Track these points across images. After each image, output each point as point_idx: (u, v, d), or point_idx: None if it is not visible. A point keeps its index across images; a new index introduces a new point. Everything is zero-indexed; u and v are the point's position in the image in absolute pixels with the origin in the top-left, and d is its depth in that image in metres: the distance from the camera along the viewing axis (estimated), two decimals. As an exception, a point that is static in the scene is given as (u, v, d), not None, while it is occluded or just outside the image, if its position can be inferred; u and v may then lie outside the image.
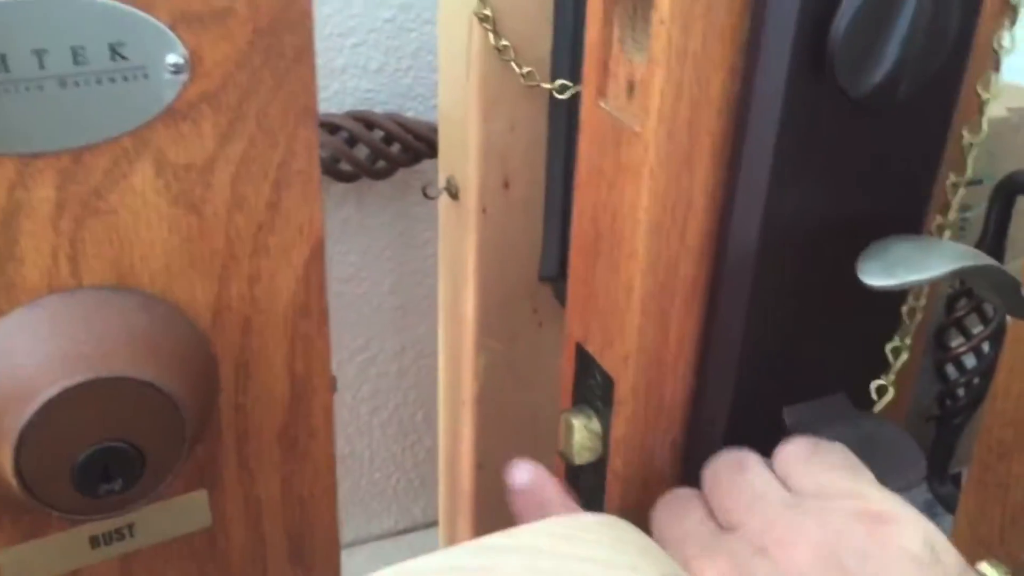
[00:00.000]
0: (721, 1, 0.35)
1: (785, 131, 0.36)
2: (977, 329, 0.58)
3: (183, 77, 0.29)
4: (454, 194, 0.54)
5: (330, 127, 0.62)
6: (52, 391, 0.28)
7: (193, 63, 0.29)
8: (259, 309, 0.34)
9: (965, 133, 0.40)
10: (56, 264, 0.30)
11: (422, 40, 0.64)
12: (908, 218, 0.40)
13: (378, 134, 0.63)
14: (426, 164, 0.65)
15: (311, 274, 0.34)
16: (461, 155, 0.53)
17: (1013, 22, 0.39)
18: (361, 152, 0.63)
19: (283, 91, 0.31)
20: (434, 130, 0.63)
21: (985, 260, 0.37)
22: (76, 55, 0.27)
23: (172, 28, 0.28)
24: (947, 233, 0.41)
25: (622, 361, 0.41)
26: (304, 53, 0.31)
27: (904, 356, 0.42)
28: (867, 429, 0.40)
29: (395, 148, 0.63)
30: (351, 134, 0.62)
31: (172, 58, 0.28)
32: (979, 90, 0.39)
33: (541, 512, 0.38)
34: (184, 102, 0.29)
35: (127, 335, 0.30)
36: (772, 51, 0.35)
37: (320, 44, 0.62)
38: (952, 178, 0.41)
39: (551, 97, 0.50)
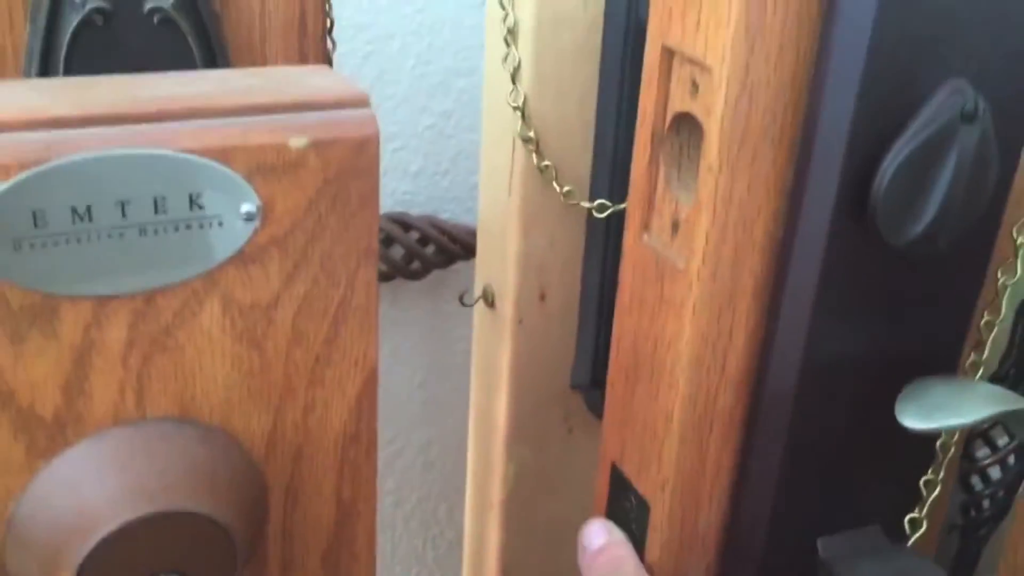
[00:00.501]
0: (767, 150, 0.36)
1: (826, 274, 0.37)
2: (1002, 440, 0.59)
3: (255, 224, 0.30)
4: (490, 303, 0.55)
5: (368, 228, 0.63)
6: (113, 525, 0.29)
7: (265, 211, 0.30)
8: (311, 438, 0.35)
9: (1000, 275, 0.41)
10: (123, 398, 0.31)
11: (461, 146, 0.66)
12: (944, 356, 0.41)
13: (414, 235, 0.64)
14: (459, 265, 0.66)
15: (363, 403, 0.35)
16: (499, 266, 0.54)
17: (1047, 170, 0.40)
18: (397, 252, 0.64)
19: (347, 234, 0.32)
20: (469, 233, 0.64)
21: (1020, 403, 0.37)
22: (157, 205, 0.28)
23: (248, 179, 0.29)
24: (981, 371, 0.42)
25: (659, 487, 0.41)
26: (369, 198, 0.32)
27: (937, 490, 0.42)
28: (901, 564, 0.41)
29: (430, 249, 0.65)
30: (387, 234, 0.64)
31: (246, 207, 0.30)
32: (1014, 234, 0.40)
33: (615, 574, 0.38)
34: (254, 246, 0.30)
35: (187, 467, 0.31)
36: (816, 199, 0.36)
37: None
38: (986, 317, 0.41)
39: (589, 214, 0.51)
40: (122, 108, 0.28)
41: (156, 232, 0.29)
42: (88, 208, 0.28)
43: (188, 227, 0.29)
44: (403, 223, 0.64)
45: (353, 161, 0.31)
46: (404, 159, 0.65)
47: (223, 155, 0.29)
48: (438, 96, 0.64)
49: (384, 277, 0.64)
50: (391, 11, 0.61)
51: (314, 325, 0.33)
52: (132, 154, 0.28)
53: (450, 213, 0.67)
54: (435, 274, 0.66)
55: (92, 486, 0.30)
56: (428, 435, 0.73)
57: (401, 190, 0.65)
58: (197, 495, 0.30)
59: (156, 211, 0.29)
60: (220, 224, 0.30)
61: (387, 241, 0.64)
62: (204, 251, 0.30)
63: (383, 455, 0.72)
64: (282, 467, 0.34)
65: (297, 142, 0.30)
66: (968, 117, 0.35)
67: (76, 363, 0.30)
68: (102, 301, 0.29)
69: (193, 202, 0.29)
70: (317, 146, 0.30)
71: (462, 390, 0.61)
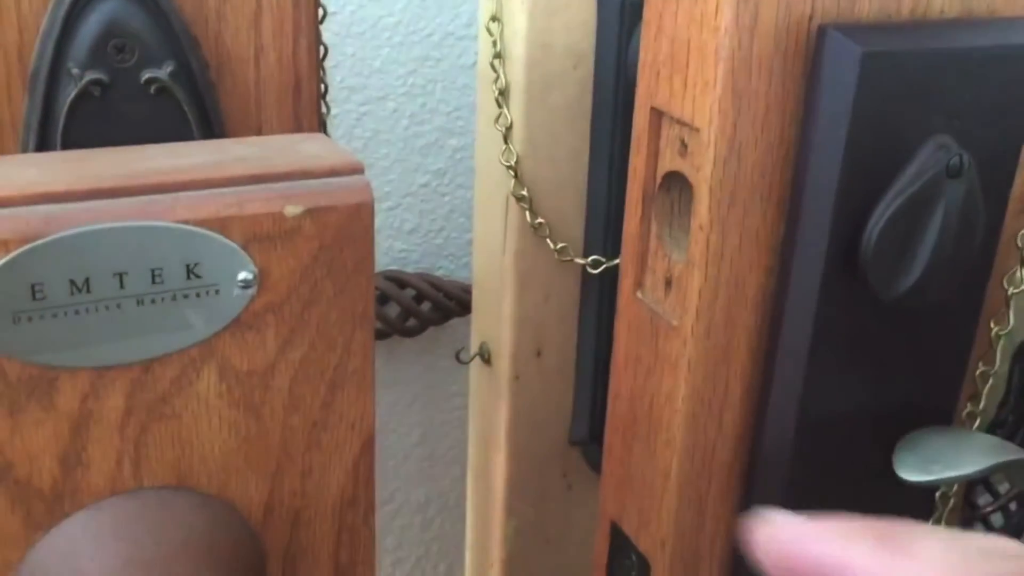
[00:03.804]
0: (757, 208, 0.36)
1: (819, 329, 0.37)
2: (1004, 487, 0.58)
3: (251, 292, 0.30)
4: (487, 359, 0.55)
5: (364, 286, 0.63)
6: (110, 597, 0.29)
7: (261, 278, 0.30)
8: (309, 503, 0.34)
9: (993, 325, 0.41)
10: (120, 468, 0.31)
11: (455, 203, 0.66)
12: (940, 407, 0.41)
13: (409, 293, 0.65)
14: (455, 322, 0.66)
15: (361, 467, 0.35)
16: (495, 323, 0.54)
17: (1035, 221, 0.40)
18: (392, 310, 0.65)
19: (343, 299, 0.32)
20: (464, 289, 0.65)
21: (1019, 454, 0.38)
22: (154, 276, 0.29)
23: (244, 248, 0.30)
24: (978, 421, 0.42)
25: (659, 545, 0.41)
26: (364, 263, 0.32)
27: (939, 542, 0.42)
28: (905, 619, 0.40)
29: (426, 307, 0.65)
30: (383, 293, 0.64)
31: (243, 275, 0.30)
32: (1005, 284, 0.41)
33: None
34: (251, 313, 0.31)
35: (184, 536, 0.31)
36: (807, 255, 0.36)
37: (357, 207, 0.64)
38: (981, 367, 0.42)
39: (584, 270, 0.52)
40: (119, 181, 0.29)
41: (154, 302, 0.29)
42: (86, 280, 0.28)
43: (185, 296, 0.30)
44: (398, 281, 0.64)
45: (348, 227, 0.31)
46: (399, 217, 0.65)
47: (220, 225, 0.29)
48: (431, 155, 0.65)
49: (380, 335, 0.65)
50: (384, 73, 0.62)
51: (311, 390, 0.33)
52: (129, 226, 0.28)
53: (445, 270, 0.68)
54: (431, 331, 0.66)
55: (89, 557, 0.30)
56: (426, 493, 0.73)
57: (396, 248, 0.66)
58: (194, 564, 0.30)
59: (153, 282, 0.29)
60: (217, 292, 0.30)
61: (383, 299, 0.64)
62: (201, 319, 0.30)
63: (381, 513, 0.72)
64: (280, 533, 0.34)
65: (292, 210, 0.30)
66: (954, 172, 0.35)
67: (74, 434, 0.30)
68: (100, 371, 0.29)
69: (190, 272, 0.29)
70: (312, 214, 0.31)
71: (459, 447, 0.61)
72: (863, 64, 0.34)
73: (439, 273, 0.67)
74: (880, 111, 0.34)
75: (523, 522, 0.57)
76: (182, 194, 0.29)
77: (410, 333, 0.65)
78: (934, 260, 0.36)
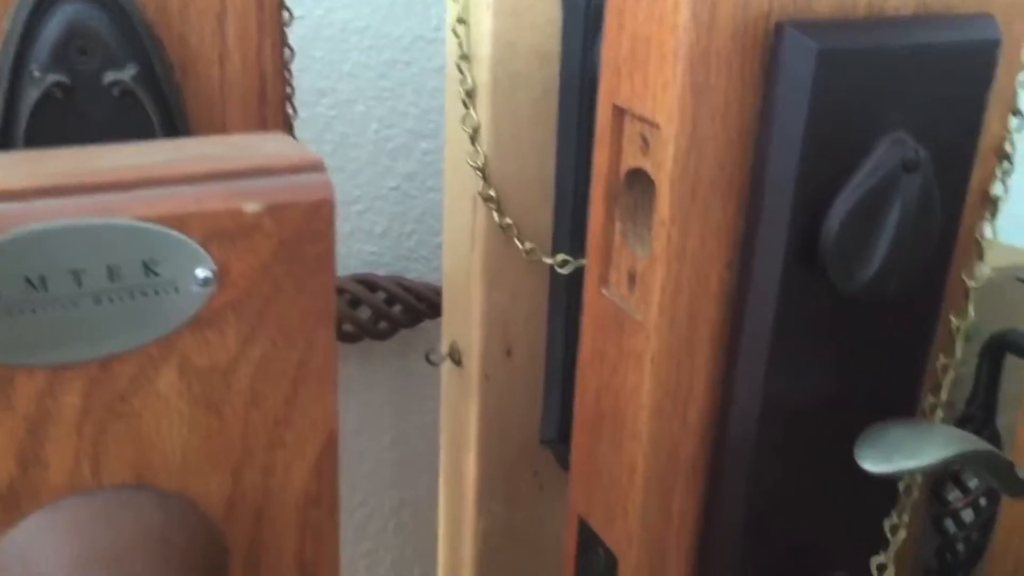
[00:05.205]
0: (718, 203, 0.37)
1: (781, 322, 0.37)
2: (973, 483, 0.59)
3: (211, 289, 0.30)
4: (457, 360, 0.55)
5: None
6: (69, 596, 0.29)
7: (221, 275, 0.30)
8: (271, 500, 0.34)
9: (953, 318, 0.41)
10: (78, 466, 0.31)
11: (426, 206, 0.66)
12: (902, 399, 0.41)
13: (380, 296, 0.65)
14: (427, 324, 0.66)
15: (324, 465, 0.35)
16: (464, 323, 0.54)
17: (994, 215, 0.41)
18: (364, 313, 0.65)
19: (304, 296, 0.32)
20: (435, 291, 0.65)
21: (979, 445, 0.38)
22: (111, 273, 0.29)
23: (203, 245, 0.30)
24: (939, 413, 0.42)
25: (625, 539, 0.41)
26: (324, 259, 0.32)
27: (903, 533, 0.43)
28: (870, 610, 0.41)
29: (397, 309, 0.65)
30: (354, 296, 0.64)
31: (202, 272, 0.30)
32: (964, 277, 0.41)
33: None
34: (210, 311, 0.31)
35: (143, 534, 0.31)
36: (767, 249, 0.37)
37: (327, 210, 0.64)
38: (942, 359, 0.42)
39: (552, 270, 0.52)
40: (75, 178, 0.29)
41: (111, 300, 0.29)
42: (42, 278, 0.28)
43: (143, 294, 0.30)
44: (369, 283, 0.64)
45: (308, 224, 0.32)
46: (369, 220, 0.65)
47: (178, 222, 0.29)
48: (401, 158, 0.65)
49: (351, 338, 0.65)
50: (353, 77, 0.63)
51: (272, 387, 0.33)
52: (86, 224, 0.28)
53: (416, 272, 0.68)
54: (402, 334, 0.66)
55: (47, 556, 0.30)
56: (400, 496, 0.73)
57: (367, 251, 0.66)
58: (153, 563, 0.30)
59: (111, 279, 0.29)
60: (176, 290, 0.30)
61: (354, 302, 0.64)
62: (160, 317, 0.30)
63: (355, 517, 0.72)
64: (242, 531, 0.34)
65: (252, 207, 0.30)
66: (910, 167, 0.36)
67: (30, 433, 0.30)
68: (57, 370, 0.29)
69: (148, 269, 0.29)
70: (272, 210, 0.31)
71: (432, 450, 0.61)
72: (819, 61, 0.34)
73: (411, 276, 0.67)
74: (837, 107, 0.35)
75: (494, 521, 0.57)
76: (140, 191, 0.29)
77: (381, 336, 0.65)
78: (893, 253, 0.36)
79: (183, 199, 0.30)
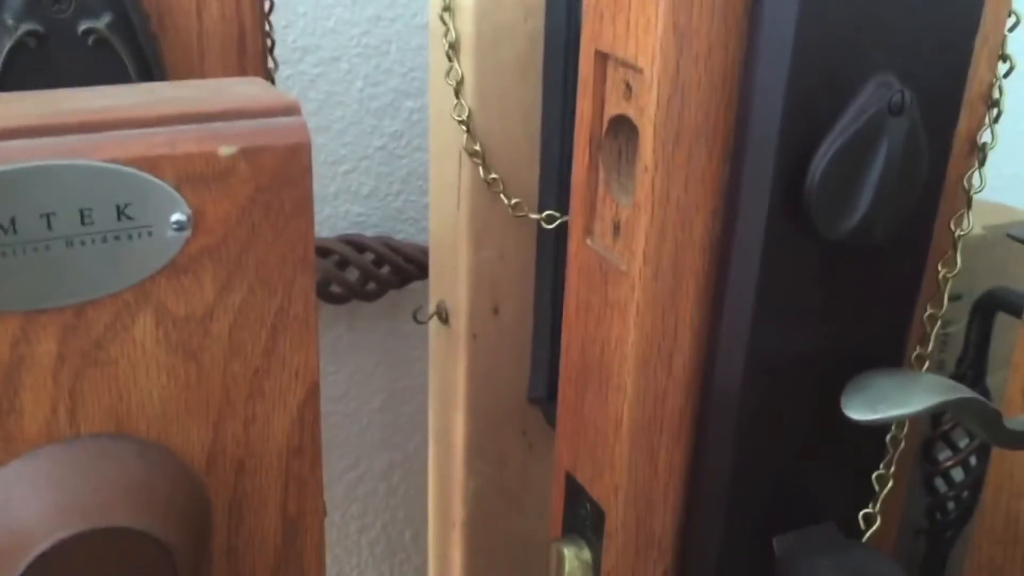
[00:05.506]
0: (702, 149, 0.36)
1: (765, 270, 0.37)
2: (964, 442, 0.59)
3: (186, 234, 0.30)
4: (444, 319, 0.55)
5: (322, 251, 0.63)
6: (47, 543, 0.29)
7: (196, 220, 0.30)
8: (253, 451, 0.34)
9: (940, 268, 0.41)
10: (55, 415, 0.30)
11: (412, 166, 0.66)
12: (888, 350, 0.41)
13: (368, 257, 0.64)
14: (416, 285, 0.66)
15: (305, 415, 0.35)
16: (451, 281, 0.54)
17: (982, 163, 0.41)
18: (352, 275, 0.64)
19: (282, 242, 0.32)
20: (424, 252, 0.64)
21: (965, 392, 0.38)
22: (83, 217, 0.28)
23: (177, 188, 0.29)
24: (926, 364, 0.42)
25: (612, 492, 0.41)
26: (302, 205, 0.32)
27: (890, 484, 0.43)
28: (856, 560, 0.41)
29: (385, 270, 0.65)
30: (342, 257, 0.64)
31: (176, 216, 0.29)
32: (952, 226, 0.41)
33: None
34: (186, 256, 0.30)
35: (123, 483, 0.31)
36: (751, 195, 0.36)
37: (313, 171, 0.64)
38: (929, 310, 0.42)
39: (539, 226, 0.52)
40: (46, 120, 0.28)
41: (83, 244, 0.29)
42: (12, 221, 0.28)
43: (117, 238, 0.29)
44: (357, 244, 0.64)
45: (285, 169, 0.31)
46: (356, 181, 0.65)
47: (150, 165, 0.29)
48: (387, 117, 0.65)
49: (339, 299, 0.64)
50: (337, 34, 0.62)
51: (251, 336, 0.32)
52: (56, 165, 0.28)
53: (405, 233, 0.67)
54: (391, 295, 0.66)
55: (25, 505, 0.29)
56: (390, 459, 0.73)
57: (354, 212, 0.65)
58: (134, 511, 0.30)
59: (83, 223, 0.28)
60: (150, 234, 0.29)
61: (342, 264, 0.64)
62: (134, 262, 0.30)
63: (345, 480, 0.72)
64: (224, 482, 0.34)
65: (227, 150, 0.30)
66: (895, 110, 0.35)
67: (5, 380, 0.29)
68: (30, 316, 0.29)
69: (121, 213, 0.29)
70: (247, 154, 0.30)
71: (423, 412, 0.61)
72: (803, 1, 0.33)
73: (399, 237, 0.67)
74: (821, 48, 0.34)
75: (483, 482, 0.56)
76: (112, 133, 0.29)
77: (370, 297, 0.65)
78: (878, 198, 0.36)
79: (156, 141, 0.29)
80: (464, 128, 0.49)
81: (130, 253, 0.29)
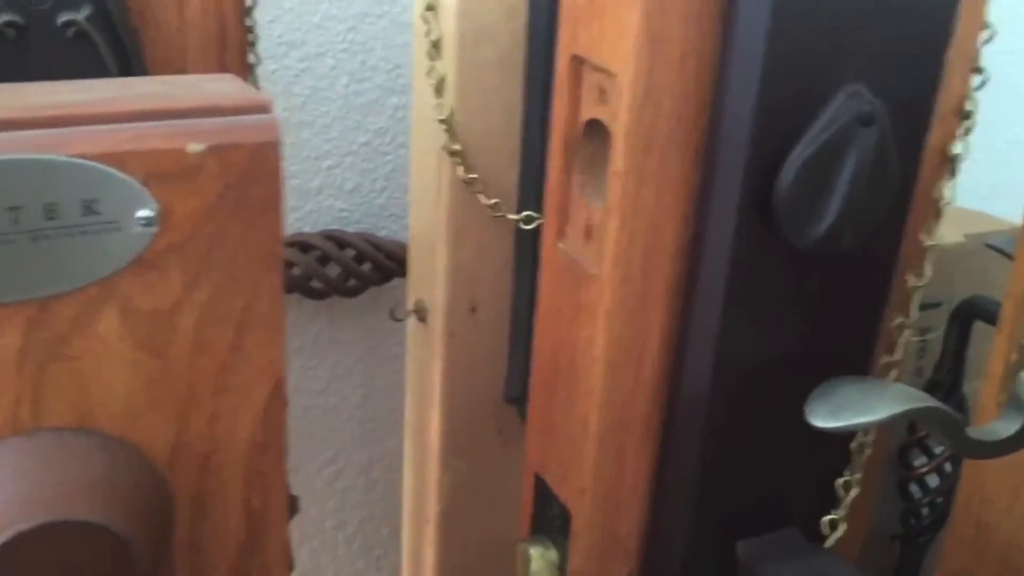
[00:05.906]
0: (673, 155, 0.37)
1: (734, 275, 0.37)
2: (939, 449, 0.59)
3: (153, 230, 0.30)
4: (422, 317, 0.55)
5: (303, 246, 0.63)
6: (7, 535, 0.29)
7: (163, 216, 0.30)
8: (218, 447, 0.34)
9: (910, 277, 0.41)
10: (17, 408, 0.30)
11: (396, 163, 0.66)
12: (855, 357, 0.41)
13: (350, 253, 0.64)
14: (397, 282, 0.66)
15: (271, 412, 0.35)
16: (430, 280, 0.54)
17: (953, 174, 0.41)
18: (333, 270, 0.64)
19: (250, 240, 0.32)
20: (405, 249, 0.64)
21: (930, 402, 0.38)
22: (49, 212, 0.28)
23: (144, 184, 0.29)
24: (893, 373, 0.42)
25: (578, 494, 0.41)
26: (271, 203, 0.32)
27: (855, 491, 0.43)
28: (818, 566, 0.41)
29: (366, 267, 0.65)
30: (323, 253, 0.64)
31: (143, 212, 0.30)
32: (922, 237, 0.41)
33: None
34: (153, 252, 0.30)
35: (85, 477, 0.31)
36: (722, 202, 0.37)
37: (296, 166, 0.64)
38: (898, 318, 0.42)
39: (517, 226, 0.52)
40: (12, 113, 0.28)
41: (49, 238, 0.29)
42: (-24, 214, 0.28)
43: (83, 233, 0.29)
44: (338, 240, 0.64)
45: (254, 167, 0.31)
46: (339, 176, 0.65)
47: (117, 160, 0.29)
48: (372, 114, 0.65)
49: (320, 295, 0.64)
50: (323, 29, 0.62)
51: (218, 332, 0.33)
52: (22, 159, 0.28)
53: (387, 230, 0.67)
54: (372, 292, 0.66)
55: (-14, 497, 0.29)
56: (368, 455, 0.73)
57: (337, 208, 0.65)
58: (95, 505, 0.30)
59: (49, 217, 0.29)
60: (117, 230, 0.30)
61: (323, 259, 0.64)
62: (100, 258, 0.30)
63: (323, 476, 0.72)
64: (188, 477, 0.34)
65: (195, 147, 0.30)
66: (865, 120, 0.35)
67: (-32, 372, 0.29)
68: (-6, 308, 0.29)
69: (88, 208, 0.29)
70: (216, 151, 0.30)
71: (402, 409, 0.61)
72: (775, 8, 0.34)
73: (381, 234, 0.67)
74: (793, 58, 0.34)
75: (458, 478, 0.57)
76: (79, 128, 0.29)
77: (350, 293, 0.65)
78: (847, 207, 0.36)
79: (123, 137, 0.29)
80: (445, 127, 0.49)
81: (96, 248, 0.29)
